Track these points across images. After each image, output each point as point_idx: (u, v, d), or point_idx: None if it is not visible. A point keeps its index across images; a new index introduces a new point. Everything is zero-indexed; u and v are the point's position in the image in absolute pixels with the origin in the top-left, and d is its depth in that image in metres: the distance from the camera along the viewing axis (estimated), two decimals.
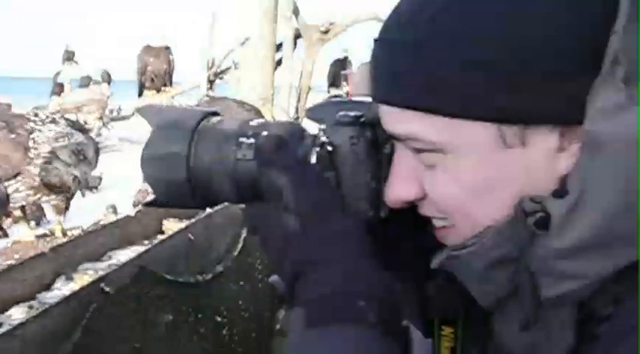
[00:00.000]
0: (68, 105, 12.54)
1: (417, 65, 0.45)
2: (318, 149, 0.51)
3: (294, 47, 5.28)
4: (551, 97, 0.43)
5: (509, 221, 0.45)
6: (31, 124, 2.08)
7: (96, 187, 4.41)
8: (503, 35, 0.43)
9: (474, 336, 0.58)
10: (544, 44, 0.42)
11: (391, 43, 0.48)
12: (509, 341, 0.52)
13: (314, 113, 0.55)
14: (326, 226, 0.49)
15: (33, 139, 1.92)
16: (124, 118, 10.24)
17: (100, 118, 11.28)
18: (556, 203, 0.43)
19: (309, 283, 0.47)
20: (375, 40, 0.49)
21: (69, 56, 14.72)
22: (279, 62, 5.22)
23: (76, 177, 1.97)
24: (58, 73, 14.71)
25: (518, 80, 0.43)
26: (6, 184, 1.89)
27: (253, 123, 0.54)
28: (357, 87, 1.49)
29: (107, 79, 14.05)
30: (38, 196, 1.94)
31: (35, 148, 1.89)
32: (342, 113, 0.52)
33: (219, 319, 2.33)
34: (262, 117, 3.17)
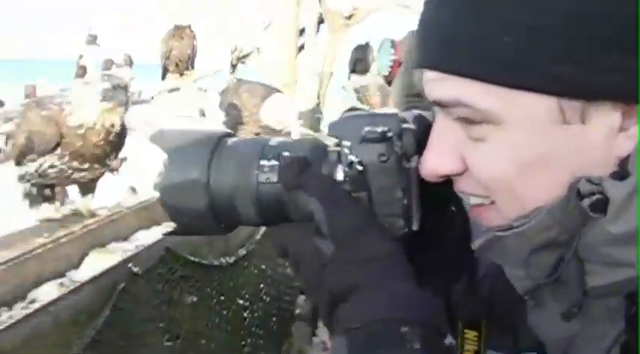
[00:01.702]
0: None
1: (472, 30, 0.43)
2: (345, 168, 0.49)
3: (317, 32, 5.26)
4: (615, 71, 0.41)
5: (562, 202, 0.43)
6: (59, 99, 2.10)
7: (117, 169, 4.45)
8: (568, 4, 0.40)
9: (497, 339, 0.57)
10: (607, 15, 0.40)
11: (444, 6, 0.45)
12: (546, 332, 0.50)
13: (336, 130, 0.51)
14: (363, 250, 0.47)
15: (64, 110, 1.94)
16: (143, 101, 10.29)
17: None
18: (616, 185, 0.41)
19: (350, 310, 0.45)
20: (426, 3, 0.47)
21: (91, 39, 14.91)
22: (301, 47, 5.21)
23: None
24: (81, 56, 14.93)
25: (581, 50, 0.40)
26: (41, 160, 1.94)
27: (272, 143, 0.52)
28: (409, 53, 1.48)
29: (129, 62, 14.21)
30: (71, 171, 1.98)
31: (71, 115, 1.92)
32: (367, 129, 0.49)
33: (240, 301, 2.37)
34: (288, 99, 3.19)
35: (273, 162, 0.50)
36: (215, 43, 5.27)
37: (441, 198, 0.53)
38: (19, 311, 1.41)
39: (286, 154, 0.50)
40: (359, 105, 7.33)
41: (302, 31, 5.22)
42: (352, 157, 0.49)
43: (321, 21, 5.32)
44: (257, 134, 3.06)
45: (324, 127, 5.51)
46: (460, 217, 0.55)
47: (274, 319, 2.77)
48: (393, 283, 0.45)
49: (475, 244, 0.49)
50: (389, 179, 0.49)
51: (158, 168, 0.54)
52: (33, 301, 1.45)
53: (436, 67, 0.46)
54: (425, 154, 0.49)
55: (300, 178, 0.48)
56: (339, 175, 0.49)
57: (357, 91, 6.57)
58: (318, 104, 5.23)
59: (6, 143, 2.20)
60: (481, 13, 0.42)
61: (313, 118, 4.97)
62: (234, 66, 4.90)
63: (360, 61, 9.74)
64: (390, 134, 0.49)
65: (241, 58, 4.91)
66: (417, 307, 0.45)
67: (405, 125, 0.51)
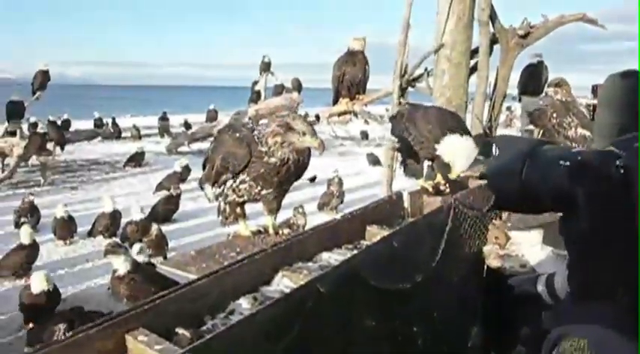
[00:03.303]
0: (263, 111, 13.72)
1: None
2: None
3: (490, 53, 5.06)
4: None
5: None
6: (250, 125, 2.28)
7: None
8: None
9: None
10: None
11: None
12: None
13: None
14: None
15: (256, 135, 2.12)
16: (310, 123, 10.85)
17: None
18: None
19: None
20: None
21: (265, 67, 16.16)
22: (473, 69, 5.05)
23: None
24: (255, 82, 16.25)
25: None
26: (234, 177, 2.18)
27: (574, 150, 0.75)
28: (606, 100, 1.36)
29: (298, 87, 15.12)
30: (259, 188, 2.13)
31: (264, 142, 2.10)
32: None
33: (415, 329, 2.31)
34: (463, 122, 3.08)
35: (568, 162, 0.68)
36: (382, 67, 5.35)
37: None
38: (220, 320, 1.52)
39: (579, 157, 0.65)
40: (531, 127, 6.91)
41: (474, 52, 5.05)
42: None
43: (494, 41, 5.11)
44: (431, 159, 2.99)
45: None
46: None
47: (445, 349, 2.67)
48: None
49: None
50: None
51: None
52: (232, 312, 1.56)
53: None
54: None
55: (581, 179, 0.66)
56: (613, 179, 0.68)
57: (529, 114, 6.19)
58: (489, 127, 5.01)
59: (204, 166, 2.44)
60: None
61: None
62: (403, 89, 4.91)
63: (530, 82, 9.19)
64: None
65: (411, 82, 4.91)
66: None
67: None
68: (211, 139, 2.44)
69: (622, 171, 0.63)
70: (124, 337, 1.32)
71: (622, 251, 0.60)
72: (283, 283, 1.75)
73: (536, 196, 0.74)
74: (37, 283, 4.73)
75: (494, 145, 0.80)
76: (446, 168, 2.97)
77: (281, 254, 1.84)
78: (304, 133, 2.08)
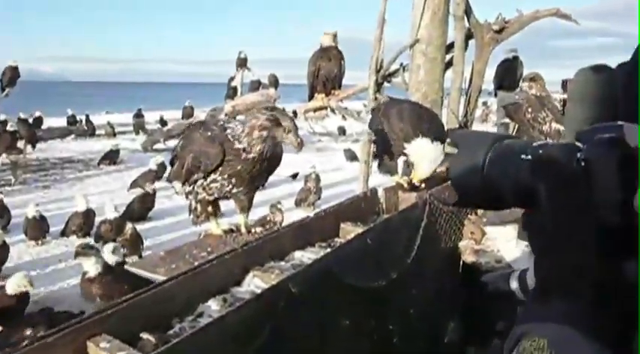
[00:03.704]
0: (239, 107, 13.60)
1: None
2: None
3: (466, 48, 5.07)
4: None
5: None
6: (222, 122, 2.23)
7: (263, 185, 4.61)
8: None
9: None
10: None
11: None
12: None
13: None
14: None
15: (228, 133, 2.08)
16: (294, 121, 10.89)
17: None
18: None
19: None
20: None
21: (242, 63, 16.02)
22: (449, 64, 5.05)
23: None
24: (232, 78, 16.09)
25: None
26: (207, 177, 2.13)
27: (535, 144, 0.71)
28: (577, 95, 1.35)
29: (274, 82, 15.02)
30: (230, 186, 2.10)
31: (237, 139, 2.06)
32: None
33: (390, 326, 2.29)
34: (439, 120, 3.06)
35: (529, 157, 0.69)
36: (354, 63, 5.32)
37: None
38: (188, 323, 1.47)
39: (541, 151, 0.68)
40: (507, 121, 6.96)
41: (449, 47, 5.06)
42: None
43: (469, 36, 5.12)
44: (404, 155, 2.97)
45: None
46: None
47: (422, 344, 2.66)
48: None
49: None
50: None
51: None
52: (201, 315, 1.51)
53: None
54: None
55: (543, 171, 0.65)
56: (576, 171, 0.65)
57: (505, 108, 6.24)
58: (465, 123, 5.02)
59: (172, 163, 2.38)
60: None
61: None
62: (379, 85, 4.89)
63: (506, 77, 9.26)
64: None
65: (387, 77, 4.89)
66: None
67: None
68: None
69: (583, 164, 0.63)
70: (86, 344, 1.27)
71: (583, 245, 0.60)
72: (254, 283, 1.70)
73: (498, 191, 0.73)
74: (15, 284, 4.61)
75: (454, 140, 0.78)
76: (410, 168, 2.96)
77: (252, 254, 1.79)
78: (289, 131, 2.07)
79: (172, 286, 1.48)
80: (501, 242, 2.85)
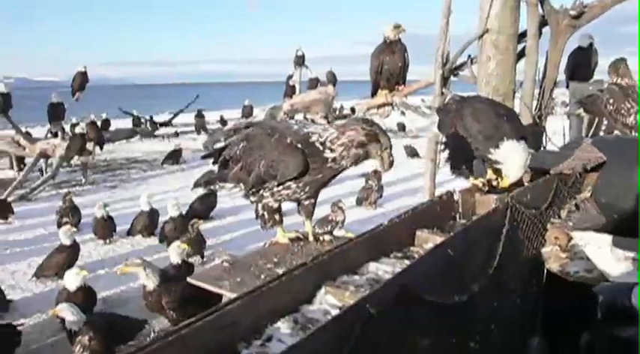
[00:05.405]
0: (298, 105, 13.55)
1: None
2: None
3: (539, 36, 4.72)
4: None
5: None
6: (300, 125, 2.13)
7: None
8: None
9: None
10: None
11: None
12: None
13: None
14: None
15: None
16: (345, 116, 10.71)
17: (326, 116, 11.88)
18: None
19: None
20: None
21: (299, 61, 15.99)
22: (521, 54, 4.73)
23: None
24: (290, 77, 16.09)
25: None
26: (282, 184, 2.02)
27: None
28: None
29: (332, 80, 14.88)
30: (302, 194, 1.98)
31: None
32: None
33: (472, 344, 2.09)
34: (516, 116, 2.82)
35: None
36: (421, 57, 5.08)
37: None
38: (256, 349, 1.34)
39: None
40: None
41: (522, 36, 4.72)
42: None
43: (544, 24, 4.77)
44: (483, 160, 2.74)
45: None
46: None
47: None
48: None
49: None
50: None
51: None
52: (270, 339, 1.37)
53: None
54: None
55: None
56: None
57: (580, 102, 5.82)
58: (539, 116, 4.68)
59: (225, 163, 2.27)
60: None
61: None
62: (445, 79, 4.63)
63: (579, 67, 8.68)
64: None
65: (454, 70, 4.62)
66: None
67: None
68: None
69: None
70: None
71: None
72: (327, 300, 1.55)
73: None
74: (72, 280, 4.70)
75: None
76: (497, 173, 2.75)
77: (323, 267, 1.64)
78: (385, 149, 1.98)
79: (238, 307, 1.35)
80: (592, 249, 2.57)
